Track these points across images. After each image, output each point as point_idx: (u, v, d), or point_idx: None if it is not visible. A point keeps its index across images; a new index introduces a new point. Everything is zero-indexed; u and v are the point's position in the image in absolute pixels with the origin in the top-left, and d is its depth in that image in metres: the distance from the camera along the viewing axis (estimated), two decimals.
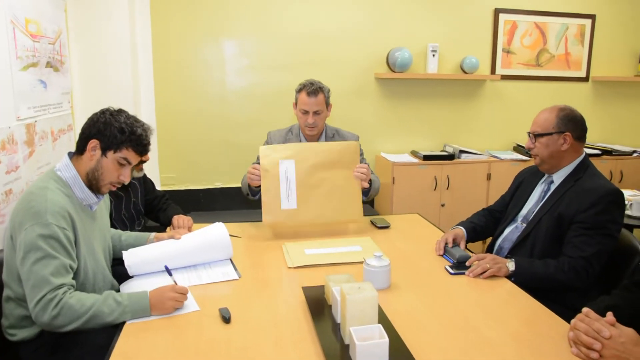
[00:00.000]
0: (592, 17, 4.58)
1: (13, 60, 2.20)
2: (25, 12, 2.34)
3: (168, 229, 2.39)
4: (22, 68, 2.29)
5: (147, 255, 1.89)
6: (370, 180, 2.43)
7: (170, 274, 1.77)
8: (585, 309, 1.40)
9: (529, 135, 2.12)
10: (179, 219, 2.37)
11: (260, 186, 2.32)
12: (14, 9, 2.21)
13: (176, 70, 3.92)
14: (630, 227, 3.07)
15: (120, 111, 1.73)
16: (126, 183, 1.76)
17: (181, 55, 3.91)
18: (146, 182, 2.65)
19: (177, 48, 3.89)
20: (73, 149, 1.76)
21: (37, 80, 2.47)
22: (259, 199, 2.36)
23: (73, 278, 1.57)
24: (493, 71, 4.48)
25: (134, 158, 1.73)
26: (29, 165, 2.31)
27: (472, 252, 2.16)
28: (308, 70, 4.04)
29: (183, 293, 1.60)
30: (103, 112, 1.71)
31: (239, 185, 2.81)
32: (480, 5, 4.36)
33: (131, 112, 1.77)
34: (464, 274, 1.90)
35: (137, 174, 2.51)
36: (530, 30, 4.49)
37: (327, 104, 2.68)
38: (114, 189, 1.76)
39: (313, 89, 2.59)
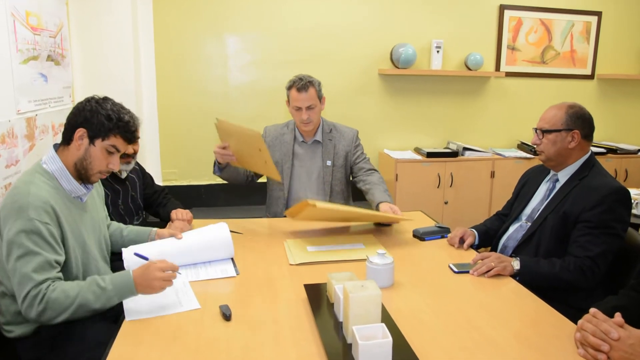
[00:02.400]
0: (598, 14, 4.54)
1: (13, 53, 2.18)
2: (26, 4, 2.32)
3: (169, 224, 2.37)
4: (22, 61, 2.27)
5: (146, 254, 1.86)
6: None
7: (146, 259, 1.69)
8: (592, 310, 1.37)
9: (535, 131, 2.09)
10: (177, 213, 2.34)
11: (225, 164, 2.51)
12: (14, 1, 2.20)
13: (178, 65, 3.90)
14: (637, 227, 3.04)
15: (106, 99, 1.70)
16: (115, 171, 1.74)
17: (183, 50, 3.89)
18: (145, 176, 2.63)
19: (179, 43, 3.87)
20: None
21: (38, 74, 2.45)
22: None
23: (62, 272, 1.55)
24: (497, 68, 4.45)
25: (122, 146, 1.70)
26: (29, 160, 2.29)
27: (476, 251, 2.14)
28: (311, 66, 4.01)
29: (170, 269, 1.55)
30: (88, 100, 1.67)
31: None
32: (485, 1, 4.32)
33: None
34: (468, 272, 1.87)
35: (125, 167, 2.43)
36: (536, 27, 4.45)
37: (320, 97, 2.62)
38: (103, 177, 1.74)
39: (302, 84, 2.53)
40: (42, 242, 1.51)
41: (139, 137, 1.76)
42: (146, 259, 1.70)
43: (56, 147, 1.70)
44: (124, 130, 1.67)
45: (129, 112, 1.72)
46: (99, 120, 1.63)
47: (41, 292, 1.45)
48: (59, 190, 1.64)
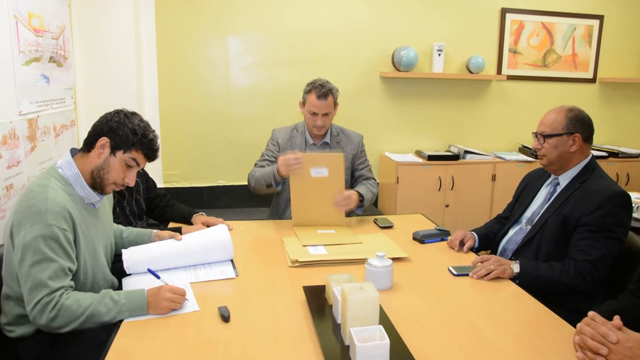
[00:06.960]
0: (600, 17, 4.54)
1: (15, 54, 2.19)
2: (29, 6, 2.33)
3: (198, 216, 2.44)
4: (24, 63, 2.28)
5: (146, 256, 1.86)
6: (362, 198, 2.48)
7: (157, 277, 1.71)
8: (591, 313, 1.37)
9: (536, 136, 2.08)
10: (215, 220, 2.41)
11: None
12: (17, 3, 2.21)
13: (180, 66, 3.90)
14: (637, 231, 3.02)
15: (134, 114, 1.73)
16: (130, 185, 1.75)
17: (185, 51, 3.90)
18: (148, 180, 2.64)
19: (181, 44, 3.88)
20: (76, 144, 1.75)
21: (40, 75, 2.46)
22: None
23: (72, 278, 1.56)
24: (499, 71, 4.44)
25: (142, 161, 1.72)
26: (30, 161, 2.30)
27: (476, 254, 2.14)
28: (313, 68, 4.02)
29: (180, 294, 1.57)
30: (117, 112, 1.70)
31: (243, 183, 2.80)
32: (486, 4, 4.32)
33: (134, 109, 1.77)
34: (467, 275, 1.87)
35: None
36: (537, 30, 4.45)
37: (335, 105, 2.65)
38: (117, 189, 1.74)
39: (323, 91, 2.55)
40: (59, 249, 1.51)
41: (158, 157, 1.78)
42: (158, 277, 1.72)
43: (73, 152, 1.70)
44: (146, 147, 1.69)
45: (153, 131, 1.74)
46: (124, 133, 1.65)
47: (54, 299, 1.46)
48: (74, 196, 1.65)
